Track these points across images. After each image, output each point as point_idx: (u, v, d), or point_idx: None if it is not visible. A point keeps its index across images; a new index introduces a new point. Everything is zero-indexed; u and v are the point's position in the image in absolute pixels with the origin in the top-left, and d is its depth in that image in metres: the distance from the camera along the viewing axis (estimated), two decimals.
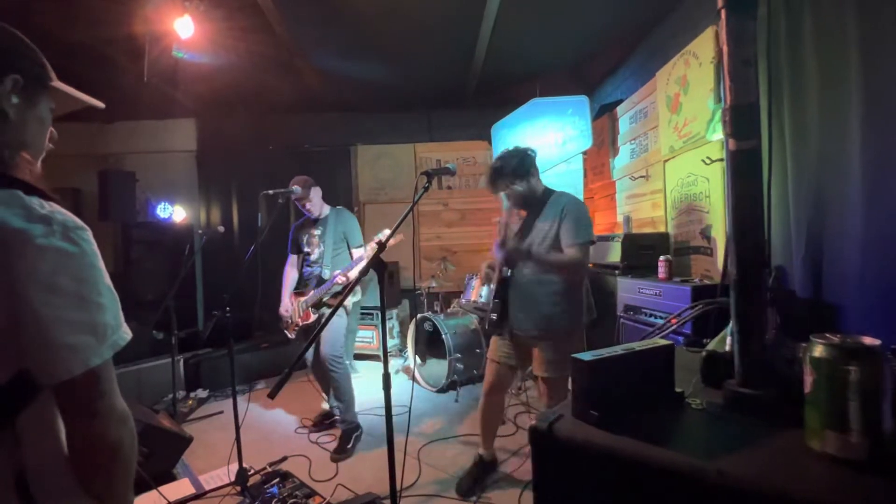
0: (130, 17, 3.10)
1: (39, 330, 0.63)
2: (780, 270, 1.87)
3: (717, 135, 2.52)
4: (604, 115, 4.24)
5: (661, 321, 2.29)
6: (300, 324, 2.85)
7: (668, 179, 3.17)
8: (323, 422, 3.09)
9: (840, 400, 0.70)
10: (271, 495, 2.20)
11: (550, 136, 4.14)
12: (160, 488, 2.23)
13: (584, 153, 4.10)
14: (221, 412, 3.42)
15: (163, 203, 4.92)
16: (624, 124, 3.91)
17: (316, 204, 2.90)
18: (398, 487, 1.44)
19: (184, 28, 3.00)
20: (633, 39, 3.86)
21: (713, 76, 2.57)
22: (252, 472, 2.41)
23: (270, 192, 2.67)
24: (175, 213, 4.89)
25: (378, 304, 1.48)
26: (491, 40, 3.76)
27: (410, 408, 2.34)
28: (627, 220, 3.68)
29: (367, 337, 4.66)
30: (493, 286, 2.22)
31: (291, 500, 2.15)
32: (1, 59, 0.71)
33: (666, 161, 3.17)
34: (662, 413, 0.92)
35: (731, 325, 0.99)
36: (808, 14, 1.68)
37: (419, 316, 3.98)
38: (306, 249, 2.93)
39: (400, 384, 3.77)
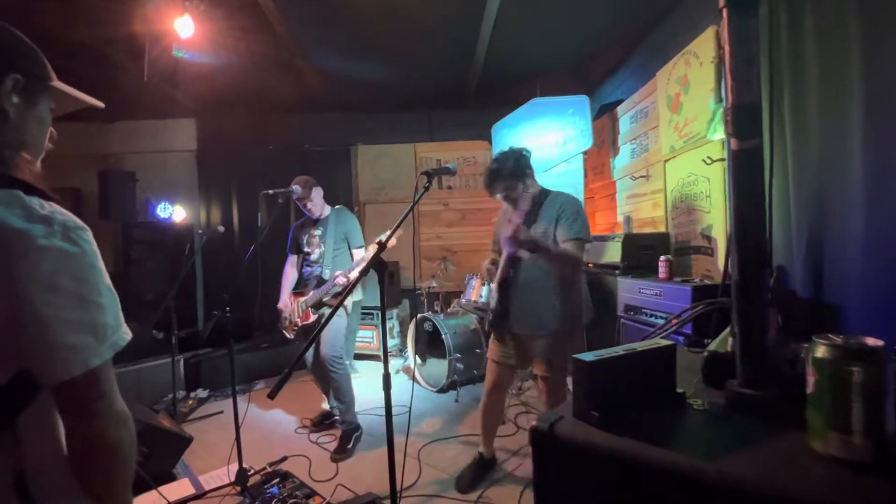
0: (130, 17, 3.10)
1: (40, 330, 0.63)
2: (781, 270, 1.86)
3: (718, 134, 2.52)
4: (604, 114, 4.24)
5: (661, 321, 2.29)
6: (299, 324, 2.85)
7: (669, 179, 3.17)
8: (323, 422, 3.09)
9: (843, 401, 0.69)
10: (271, 495, 2.20)
11: (551, 135, 4.14)
12: (160, 488, 2.23)
13: (585, 153, 4.10)
14: (221, 412, 3.42)
15: (163, 203, 4.92)
16: (624, 124, 3.91)
17: (317, 204, 2.90)
18: (398, 488, 1.44)
19: (184, 28, 3.00)
20: (634, 39, 3.86)
21: (714, 76, 2.57)
22: (252, 472, 2.41)
23: (270, 191, 2.67)
24: (175, 212, 4.89)
25: (378, 304, 1.48)
26: (491, 40, 3.76)
27: (410, 408, 2.35)
28: (628, 220, 3.68)
29: (367, 337, 4.66)
30: (493, 285, 2.21)
31: (291, 501, 2.15)
32: (2, 58, 0.71)
33: (666, 161, 3.17)
34: (664, 414, 0.91)
35: (732, 325, 0.98)
36: (808, 12, 1.67)
37: (419, 316, 3.98)
38: (306, 249, 2.93)
39: (400, 384, 3.76)
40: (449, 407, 3.40)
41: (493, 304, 2.19)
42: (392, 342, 4.72)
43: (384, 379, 1.40)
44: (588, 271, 3.36)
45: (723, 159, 2.55)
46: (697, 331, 1.89)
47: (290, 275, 3.01)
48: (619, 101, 4.03)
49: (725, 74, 0.96)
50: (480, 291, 3.98)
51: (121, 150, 5.14)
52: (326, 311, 2.78)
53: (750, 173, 0.95)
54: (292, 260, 3.03)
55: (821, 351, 0.72)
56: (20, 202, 0.65)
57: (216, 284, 4.26)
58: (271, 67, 4.08)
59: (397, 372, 4.28)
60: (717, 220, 2.62)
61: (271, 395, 1.22)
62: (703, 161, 2.69)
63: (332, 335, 2.74)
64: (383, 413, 1.39)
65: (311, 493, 2.23)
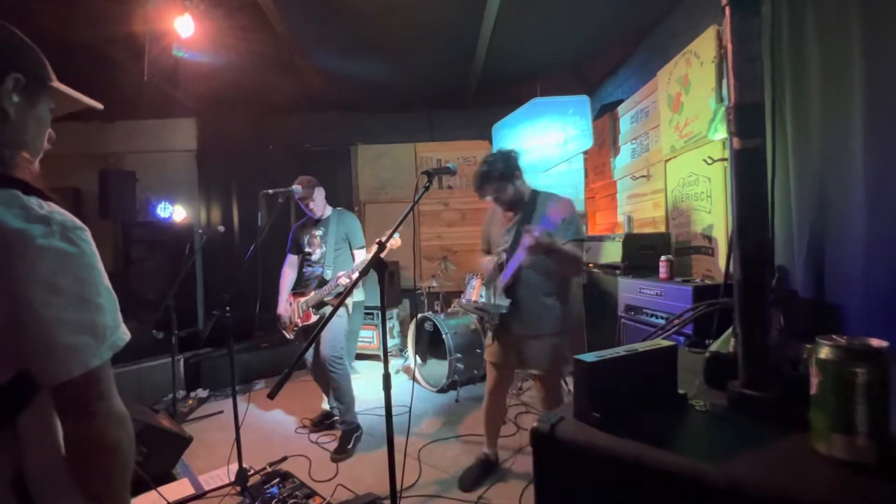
0: (130, 17, 3.09)
1: (39, 330, 0.63)
2: (782, 270, 1.86)
3: (719, 134, 2.51)
4: (605, 114, 4.24)
5: (662, 321, 2.29)
6: (300, 324, 2.84)
7: (670, 179, 3.16)
8: (323, 422, 3.09)
9: (847, 402, 0.69)
10: (271, 495, 2.19)
11: (551, 135, 4.14)
12: (160, 488, 2.23)
13: (585, 153, 4.10)
14: (221, 412, 3.42)
15: (163, 202, 4.91)
16: (625, 124, 3.91)
17: (319, 204, 2.90)
18: (398, 488, 1.44)
19: (184, 27, 2.99)
20: (634, 39, 3.85)
21: (714, 75, 2.57)
22: (252, 472, 2.40)
23: (270, 191, 2.66)
24: (175, 212, 4.89)
25: (378, 304, 1.48)
26: (491, 40, 3.75)
27: (411, 408, 2.34)
28: (628, 219, 3.68)
29: (367, 337, 4.66)
30: (497, 287, 2.19)
31: (291, 501, 2.15)
32: (2, 57, 0.71)
33: (667, 161, 3.17)
34: (665, 415, 0.91)
35: (734, 325, 0.98)
36: (810, 10, 1.67)
37: (419, 316, 3.98)
38: (307, 249, 2.92)
39: (400, 384, 3.76)
40: (449, 407, 3.40)
41: (499, 306, 2.17)
42: (392, 342, 4.72)
43: (384, 379, 1.40)
44: (588, 271, 3.36)
45: (724, 159, 2.54)
46: (699, 331, 1.88)
47: (287, 277, 3.00)
48: (620, 101, 4.02)
49: (728, 73, 0.95)
50: (481, 291, 3.97)
51: (121, 149, 5.13)
52: (328, 311, 2.77)
53: (752, 172, 0.95)
54: (291, 260, 3.03)
55: (825, 352, 0.71)
56: (19, 202, 0.64)
57: (216, 284, 4.26)
58: (271, 67, 4.08)
59: (397, 372, 4.28)
60: (717, 220, 2.61)
61: (271, 395, 1.22)
62: (704, 161, 2.68)
63: (333, 335, 2.74)
64: (383, 413, 1.39)
65: (311, 494, 2.22)
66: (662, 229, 3.24)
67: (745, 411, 0.89)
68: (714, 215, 2.65)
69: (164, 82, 4.13)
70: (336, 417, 3.00)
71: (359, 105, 5.26)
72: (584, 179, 4.11)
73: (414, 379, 3.80)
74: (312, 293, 2.81)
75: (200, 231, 4.33)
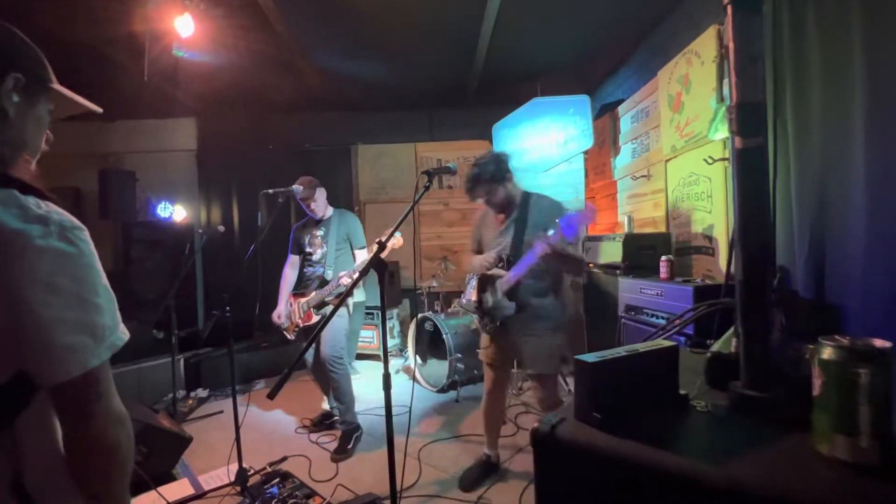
0: (130, 16, 3.09)
1: (38, 331, 0.63)
2: (783, 271, 1.85)
3: (720, 134, 2.50)
4: (605, 114, 4.23)
5: (662, 321, 2.28)
6: (300, 325, 2.84)
7: (670, 179, 3.16)
8: (323, 422, 3.09)
9: (850, 403, 0.69)
10: (271, 495, 2.19)
11: (552, 135, 4.13)
12: (160, 488, 2.23)
13: (586, 153, 4.09)
14: (221, 412, 3.42)
15: (163, 202, 4.91)
16: (625, 124, 3.90)
17: (320, 204, 2.89)
18: (398, 488, 1.44)
19: (184, 27, 2.99)
20: (635, 38, 3.85)
21: (715, 75, 2.56)
22: (252, 472, 2.40)
23: (271, 191, 2.66)
24: (175, 212, 4.89)
25: (378, 304, 1.47)
26: (492, 40, 3.75)
27: (411, 408, 2.34)
28: (629, 219, 3.67)
29: (367, 337, 4.65)
30: (499, 289, 2.17)
31: (291, 501, 2.14)
32: (3, 57, 0.71)
33: (668, 160, 3.16)
34: (666, 415, 0.90)
35: (736, 325, 0.98)
36: (811, 10, 1.66)
37: (420, 316, 3.98)
38: (308, 250, 2.92)
39: (400, 384, 3.76)
40: (449, 407, 3.40)
41: (504, 308, 2.16)
42: (392, 342, 4.71)
43: (384, 379, 1.39)
44: (589, 271, 3.35)
45: (724, 159, 2.54)
46: (700, 331, 1.88)
47: (288, 278, 2.99)
48: (620, 101, 4.02)
49: (729, 72, 0.95)
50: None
51: (121, 149, 5.13)
52: (329, 311, 2.77)
53: (754, 171, 0.94)
54: (292, 261, 3.02)
55: (827, 353, 0.71)
56: (17, 202, 0.64)
57: (216, 284, 4.26)
58: (271, 67, 4.08)
59: (397, 372, 4.27)
60: (718, 220, 2.61)
61: (271, 395, 1.21)
62: (705, 161, 2.68)
63: (333, 335, 2.73)
64: (383, 413, 1.38)
65: (311, 494, 2.22)
66: (663, 229, 3.24)
67: (747, 412, 0.88)
68: (714, 215, 2.65)
69: (164, 82, 4.12)
70: (336, 417, 3.00)
71: (359, 105, 5.25)
72: (584, 179, 4.10)
73: (414, 379, 3.79)
74: (313, 293, 2.81)
75: (200, 231, 4.33)
